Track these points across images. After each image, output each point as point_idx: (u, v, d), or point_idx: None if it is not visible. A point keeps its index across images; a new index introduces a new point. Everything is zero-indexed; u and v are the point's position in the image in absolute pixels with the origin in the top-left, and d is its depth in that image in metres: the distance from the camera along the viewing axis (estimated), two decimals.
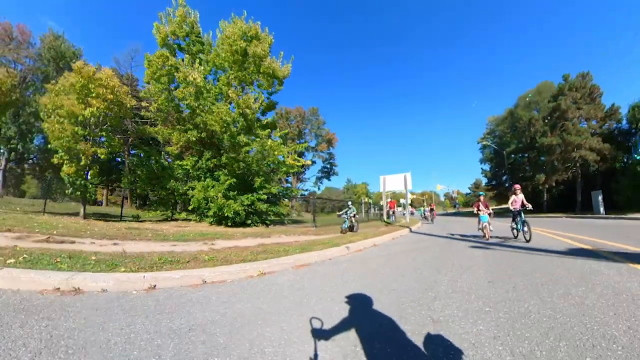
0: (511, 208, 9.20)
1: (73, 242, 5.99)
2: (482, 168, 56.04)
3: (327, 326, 2.38)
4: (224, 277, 4.10)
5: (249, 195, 13.12)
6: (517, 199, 9.23)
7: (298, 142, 42.79)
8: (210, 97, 13.51)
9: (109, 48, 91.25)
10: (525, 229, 8.24)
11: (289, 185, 42.93)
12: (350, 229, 12.23)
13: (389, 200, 25.05)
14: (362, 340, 2.13)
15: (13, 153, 36.36)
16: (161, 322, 2.46)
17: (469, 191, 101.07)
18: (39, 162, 40.11)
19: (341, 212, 12.88)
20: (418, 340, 2.13)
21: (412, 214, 38.71)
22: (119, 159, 33.66)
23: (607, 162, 31.09)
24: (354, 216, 12.50)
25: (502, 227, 12.95)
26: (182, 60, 15.40)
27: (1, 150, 34.62)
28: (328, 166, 60.30)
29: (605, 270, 4.21)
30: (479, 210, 10.07)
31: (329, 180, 62.81)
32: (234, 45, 13.21)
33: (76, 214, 13.34)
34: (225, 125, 12.74)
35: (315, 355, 1.93)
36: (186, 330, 2.31)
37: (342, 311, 2.80)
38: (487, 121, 53.63)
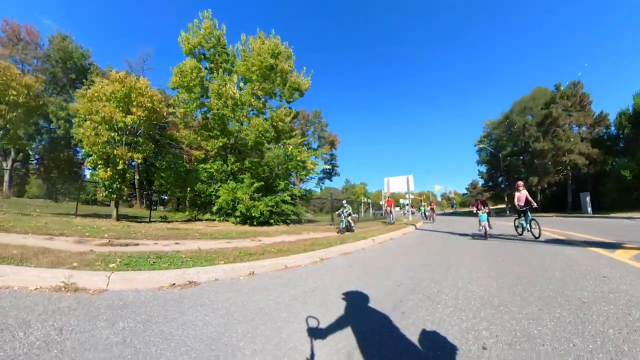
0: (517, 206, 9.28)
1: (137, 244, 6.39)
2: (479, 170, 58.02)
3: (376, 284, 4.05)
4: (298, 262, 5.57)
5: (273, 196, 14.77)
6: (521, 196, 9.34)
7: (309, 146, 44.62)
8: (245, 109, 15.07)
9: (107, 48, 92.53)
10: (534, 225, 8.44)
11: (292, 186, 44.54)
12: (348, 229, 12.10)
13: (386, 199, 23.67)
14: (406, 280, 3.82)
15: (21, 154, 36.47)
16: (284, 292, 3.51)
17: (465, 191, 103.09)
18: (45, 163, 40.80)
19: (339, 212, 12.50)
20: (444, 281, 3.81)
21: (412, 213, 40.33)
22: (147, 163, 35.12)
23: (596, 166, 33.07)
24: (349, 215, 12.31)
25: (500, 225, 14.49)
26: (206, 68, 16.96)
27: (9, 151, 34.72)
28: (330, 167, 61.97)
29: (568, 251, 5.93)
30: (478, 209, 10.11)
31: (331, 180, 64.43)
32: (265, 62, 14.82)
33: (107, 216, 14.04)
34: (260, 135, 14.36)
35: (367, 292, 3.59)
36: (309, 291, 3.61)
37: (381, 277, 4.48)
38: (484, 124, 55.60)
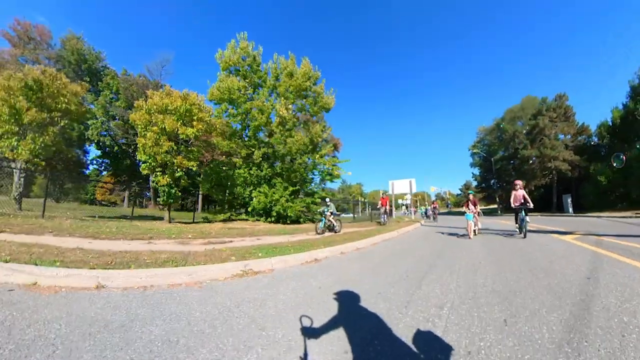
0: (512, 205, 9.34)
1: (231, 242, 7.80)
2: (472, 172, 61.60)
3: (410, 258, 7.08)
4: (360, 246, 8.36)
5: (305, 198, 17.75)
6: (517, 195, 9.29)
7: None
8: (289, 125, 17.90)
9: (111, 48, 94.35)
10: (524, 225, 8.71)
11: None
12: (330, 229, 11.63)
13: (381, 196, 20.76)
14: (424, 255, 6.86)
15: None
16: (349, 269, 6.83)
17: (459, 192, 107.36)
18: (53, 162, 40.79)
19: (321, 210, 12.05)
20: (449, 259, 6.84)
21: (413, 213, 43.23)
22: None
23: (578, 171, 36.67)
24: (332, 214, 11.75)
25: (488, 222, 17.58)
26: (239, 81, 19.63)
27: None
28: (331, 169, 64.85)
29: (535, 236, 9.01)
30: (467, 208, 10.37)
31: (332, 182, 67.21)
32: (302, 85, 17.81)
33: (160, 219, 16.21)
34: (301, 148, 17.34)
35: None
36: (377, 262, 6.57)
37: (415, 249, 7.52)
38: (478, 130, 59.11)
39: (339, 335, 2.26)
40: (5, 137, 13.36)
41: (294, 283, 4.03)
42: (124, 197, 49.39)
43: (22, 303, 2.72)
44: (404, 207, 44.55)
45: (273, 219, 17.64)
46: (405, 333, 2.28)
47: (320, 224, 11.27)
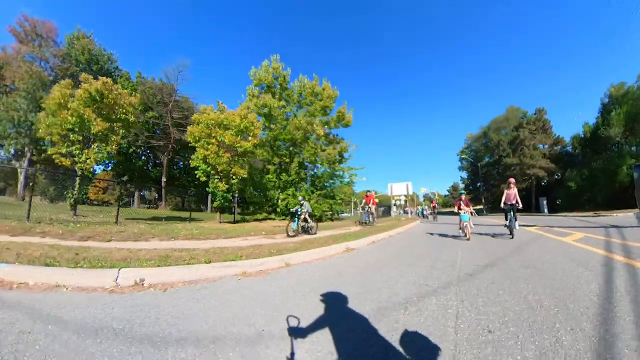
0: (502, 205, 9.25)
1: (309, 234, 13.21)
2: (460, 176, 66.51)
3: (419, 239, 10.94)
4: (391, 234, 12.36)
5: (328, 200, 21.50)
6: (510, 193, 9.12)
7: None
8: (321, 140, 21.58)
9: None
10: (514, 225, 8.74)
11: None
12: (305, 230, 10.86)
13: (366, 194, 18.06)
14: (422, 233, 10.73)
15: (42, 154, 35.63)
16: (389, 248, 10.75)
17: (447, 193, 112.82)
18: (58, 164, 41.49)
19: (295, 210, 11.10)
20: (447, 257, 10.73)
21: (409, 213, 47.24)
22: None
23: (554, 176, 41.59)
24: (306, 213, 10.88)
25: (487, 221, 21.60)
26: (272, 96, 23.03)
27: (25, 151, 34.61)
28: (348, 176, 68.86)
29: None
30: (459, 209, 10.07)
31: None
32: (329, 105, 21.64)
33: (194, 220, 18.27)
34: (331, 160, 21.15)
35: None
36: (413, 248, 10.61)
37: (423, 236, 11.41)
38: (466, 137, 63.80)
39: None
40: (71, 145, 14.16)
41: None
42: (117, 197, 51.90)
43: (271, 276, 6.32)
44: (394, 207, 48.55)
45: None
46: None
47: (293, 225, 10.25)
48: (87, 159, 13.94)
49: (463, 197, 10.66)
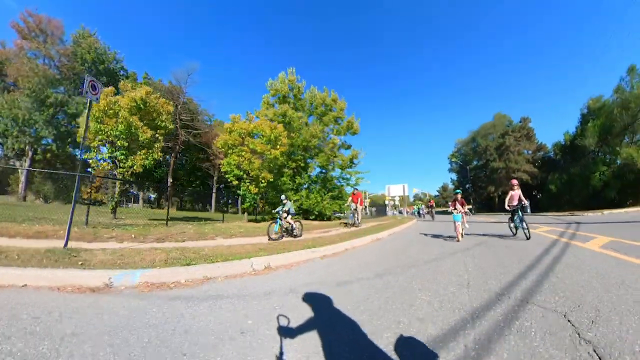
0: (507, 206, 9.01)
1: (329, 231, 16.10)
2: (450, 178, 70.13)
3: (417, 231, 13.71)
4: (400, 230, 15.13)
5: (339, 201, 24.08)
6: (514, 195, 8.95)
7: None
8: (335, 148, 24.18)
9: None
10: (525, 225, 8.23)
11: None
12: (288, 232, 9.93)
13: (352, 192, 16.84)
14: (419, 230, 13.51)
15: (49, 154, 35.88)
16: (406, 237, 13.43)
17: (437, 193, 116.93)
18: (50, 160, 38.09)
19: (278, 209, 10.05)
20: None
21: (402, 212, 50.13)
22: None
23: (537, 180, 45.16)
24: (289, 214, 9.89)
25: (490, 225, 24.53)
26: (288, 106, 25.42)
27: (27, 150, 33.98)
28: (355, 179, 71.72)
29: (490, 221, 15.90)
30: (454, 208, 9.81)
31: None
32: (341, 119, 24.30)
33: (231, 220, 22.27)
34: (343, 164, 23.78)
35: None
36: (428, 239, 13.34)
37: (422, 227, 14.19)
38: (456, 142, 67.32)
39: None
40: (115, 151, 14.86)
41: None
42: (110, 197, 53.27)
43: (346, 255, 9.01)
44: (390, 207, 51.59)
45: (314, 216, 23.73)
46: None
47: (275, 227, 9.14)
48: (133, 164, 14.88)
49: (458, 196, 10.45)
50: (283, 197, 10.59)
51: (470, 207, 56.62)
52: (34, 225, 7.89)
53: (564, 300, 2.99)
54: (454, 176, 68.27)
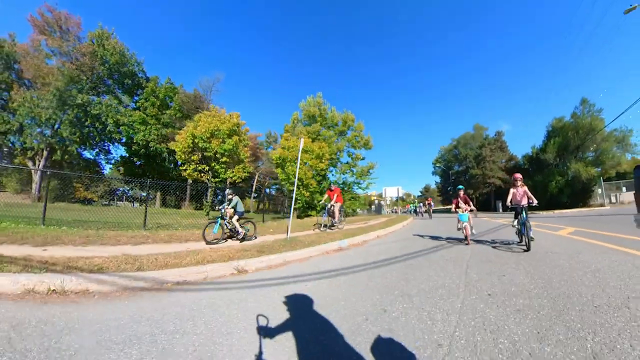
0: (509, 203, 7.34)
1: (367, 223, 22.61)
2: (435, 181, 77.87)
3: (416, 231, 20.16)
4: (404, 225, 21.48)
5: (355, 201, 30.35)
6: (517, 192, 7.36)
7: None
8: (356, 160, 30.46)
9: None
10: (527, 231, 6.51)
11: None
12: (232, 234, 8.19)
13: (329, 187, 14.66)
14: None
15: (65, 153, 35.15)
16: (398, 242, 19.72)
17: (420, 194, 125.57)
18: (64, 161, 37.78)
19: (220, 207, 8.33)
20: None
21: (395, 211, 56.49)
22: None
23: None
24: (235, 213, 8.23)
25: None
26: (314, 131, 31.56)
27: (42, 150, 33.45)
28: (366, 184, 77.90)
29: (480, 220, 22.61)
30: (457, 207, 8.78)
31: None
32: (360, 136, 30.50)
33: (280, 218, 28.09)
34: (359, 175, 30.04)
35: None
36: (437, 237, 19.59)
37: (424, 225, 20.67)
38: (440, 149, 75.08)
39: None
40: (217, 164, 21.31)
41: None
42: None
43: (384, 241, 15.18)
44: (383, 206, 58.26)
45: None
46: None
47: (214, 228, 7.63)
48: (233, 175, 21.01)
49: (461, 192, 9.18)
50: (228, 191, 8.62)
51: (452, 206, 62.90)
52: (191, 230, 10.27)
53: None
54: (438, 179, 76.19)
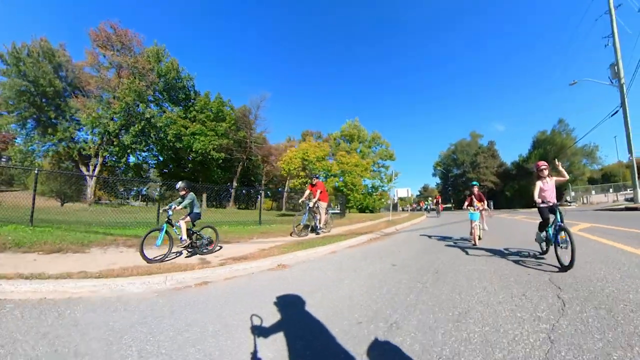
0: (537, 201, 5.11)
1: (401, 215, 31.48)
2: (435, 182, 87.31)
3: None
4: (419, 221, 30.32)
5: (374, 198, 39.22)
6: (545, 187, 5.20)
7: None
8: (386, 170, 39.48)
9: None
10: (564, 242, 4.45)
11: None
12: (193, 245, 6.30)
13: (311, 182, 11.26)
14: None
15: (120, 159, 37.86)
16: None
17: (418, 193, 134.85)
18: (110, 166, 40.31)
19: (166, 208, 6.10)
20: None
21: (407, 210, 65.21)
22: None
23: (500, 187, 62.57)
24: (191, 211, 6.42)
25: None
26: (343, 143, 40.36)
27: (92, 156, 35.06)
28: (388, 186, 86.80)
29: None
30: (470, 205, 7.90)
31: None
32: (388, 151, 39.54)
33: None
34: (388, 179, 39.03)
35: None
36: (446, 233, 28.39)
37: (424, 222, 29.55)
38: (440, 153, 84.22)
39: None
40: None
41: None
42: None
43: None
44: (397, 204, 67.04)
45: (367, 210, 38.62)
46: None
47: (159, 238, 5.70)
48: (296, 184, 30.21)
49: (475, 189, 8.20)
50: (180, 184, 6.40)
51: (451, 205, 73.34)
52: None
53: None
54: (438, 180, 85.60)
